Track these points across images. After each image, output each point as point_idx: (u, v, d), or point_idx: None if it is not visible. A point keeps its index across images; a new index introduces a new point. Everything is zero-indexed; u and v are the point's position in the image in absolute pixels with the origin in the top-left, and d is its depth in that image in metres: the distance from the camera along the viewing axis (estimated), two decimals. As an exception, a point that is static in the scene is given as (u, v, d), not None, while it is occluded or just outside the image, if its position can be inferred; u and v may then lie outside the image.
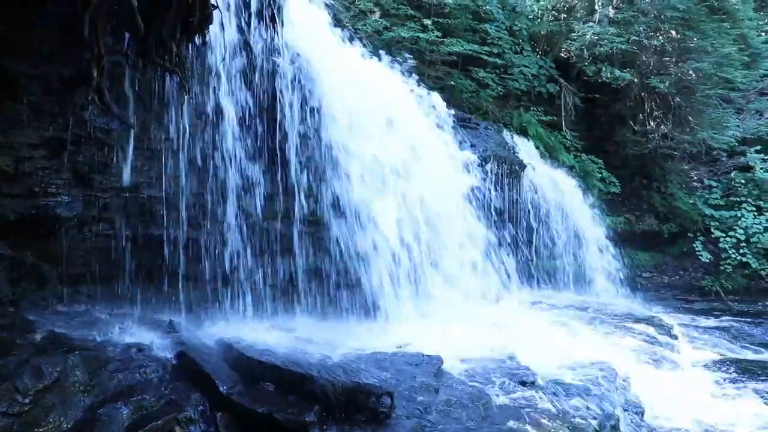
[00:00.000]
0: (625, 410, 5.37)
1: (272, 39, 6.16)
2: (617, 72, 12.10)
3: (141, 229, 5.55)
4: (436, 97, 8.65)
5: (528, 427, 4.16)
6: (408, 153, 7.37)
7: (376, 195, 6.72)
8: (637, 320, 8.65)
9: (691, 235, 13.36)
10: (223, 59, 5.71)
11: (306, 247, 6.53)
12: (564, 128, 11.92)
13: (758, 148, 13.79)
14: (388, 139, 7.06)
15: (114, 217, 5.40)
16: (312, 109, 6.32)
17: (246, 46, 5.97)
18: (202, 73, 5.64)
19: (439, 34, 10.28)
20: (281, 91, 6.17)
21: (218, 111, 5.73)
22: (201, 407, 4.20)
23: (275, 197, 6.37)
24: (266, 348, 5.01)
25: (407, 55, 9.15)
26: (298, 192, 6.37)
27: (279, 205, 6.39)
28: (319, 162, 6.48)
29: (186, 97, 5.34)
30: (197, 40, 4.95)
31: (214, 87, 5.70)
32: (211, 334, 5.33)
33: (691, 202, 13.45)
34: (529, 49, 12.15)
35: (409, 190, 7.24)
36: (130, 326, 5.08)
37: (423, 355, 5.20)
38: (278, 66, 6.18)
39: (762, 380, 7.52)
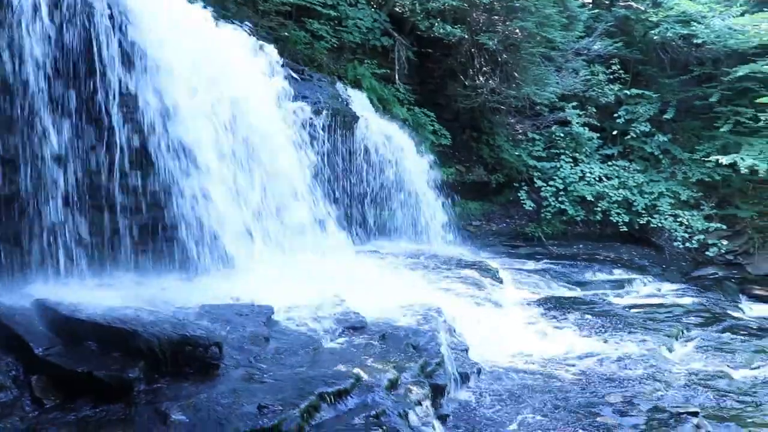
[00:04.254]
0: (450, 349, 5.68)
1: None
2: (449, 28, 12.44)
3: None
4: (268, 48, 8.45)
5: (356, 368, 4.28)
6: (238, 104, 7.18)
7: (205, 147, 6.50)
8: (466, 265, 9.14)
9: (517, 185, 14.19)
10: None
11: (131, 202, 6.22)
12: (397, 82, 12.14)
13: (574, 104, 14.80)
14: (217, 88, 6.82)
15: None
16: (131, 54, 5.95)
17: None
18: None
19: (271, -18, 10.05)
20: (97, 35, 5.76)
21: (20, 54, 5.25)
22: (13, 372, 3.94)
23: (97, 149, 5.99)
24: (90, 307, 4.76)
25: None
26: (121, 143, 6.02)
27: (101, 158, 6.03)
28: (143, 112, 6.15)
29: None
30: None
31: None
32: (29, 296, 4.98)
33: (517, 153, 14.24)
34: (364, 2, 12.16)
35: (239, 142, 7.08)
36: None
37: (253, 305, 5.18)
38: (93, 8, 5.75)
39: (574, 313, 8.25)
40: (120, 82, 5.94)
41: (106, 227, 6.09)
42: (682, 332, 7.83)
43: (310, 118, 8.61)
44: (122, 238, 6.17)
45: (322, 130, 8.93)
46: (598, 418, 5.07)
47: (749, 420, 5.09)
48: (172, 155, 6.16)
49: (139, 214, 6.22)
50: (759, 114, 12.86)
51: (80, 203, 5.88)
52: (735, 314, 9.35)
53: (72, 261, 5.79)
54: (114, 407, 3.69)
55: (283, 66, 8.37)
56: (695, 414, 5.11)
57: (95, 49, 5.73)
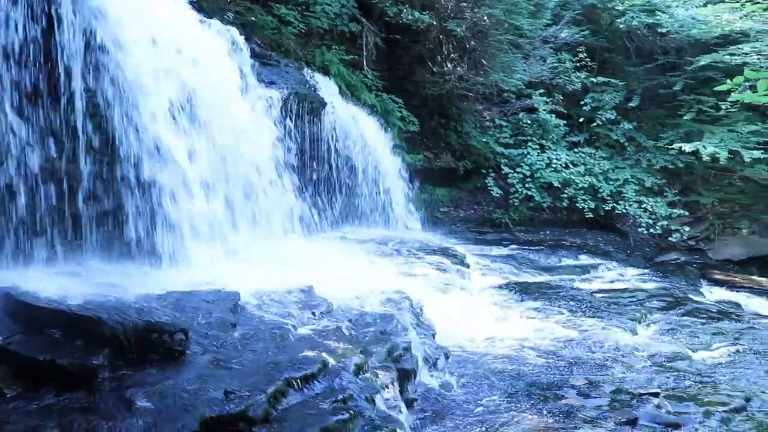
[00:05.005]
0: (417, 333, 5.71)
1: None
2: (417, 14, 12.39)
3: None
4: (235, 33, 8.35)
5: (323, 353, 4.28)
6: (203, 90, 7.08)
7: (172, 133, 6.42)
8: (434, 251, 9.19)
9: (484, 172, 14.25)
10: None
11: (95, 188, 6.12)
12: (365, 68, 12.08)
13: (541, 91, 14.90)
14: (182, 74, 6.72)
15: None
16: (94, 38, 5.83)
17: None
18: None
19: (237, -34, 9.91)
20: (58, 18, 5.63)
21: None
22: (-29, 363, 3.88)
23: (57, 134, 5.88)
24: (53, 295, 4.69)
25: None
26: (84, 128, 5.91)
27: (65, 145, 5.92)
28: (107, 97, 6.04)
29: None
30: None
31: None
32: (-11, 286, 4.88)
33: (484, 140, 14.30)
34: (332, -13, 12.07)
35: (206, 128, 7.00)
36: None
37: (220, 292, 5.13)
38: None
39: (538, 299, 8.35)
40: (81, 68, 5.82)
41: (68, 215, 5.99)
42: (645, 316, 7.99)
43: (278, 104, 8.53)
44: (85, 226, 6.07)
45: (289, 116, 8.86)
46: (562, 400, 5.16)
47: (707, 399, 5.22)
48: (136, 144, 6.06)
49: (103, 202, 6.12)
50: (720, 103, 13.10)
51: (41, 190, 5.77)
52: (696, 298, 9.55)
53: (34, 249, 5.69)
54: (77, 395, 3.65)
55: (252, 53, 8.28)
56: (656, 395, 5.23)
57: (55, 31, 5.61)
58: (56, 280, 5.36)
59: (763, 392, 5.43)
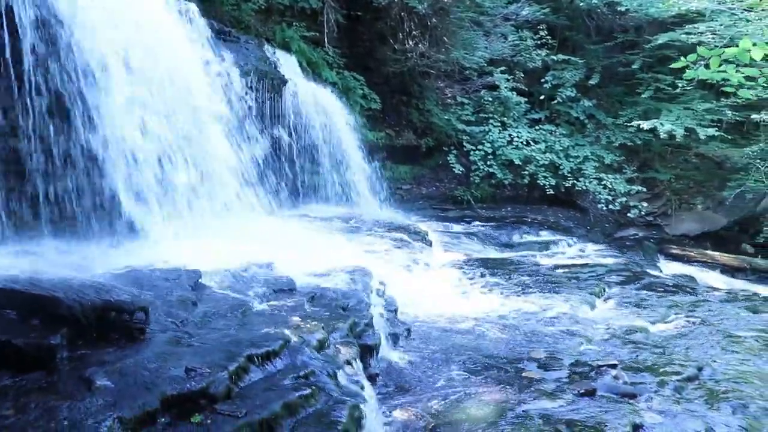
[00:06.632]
0: (380, 309, 5.74)
1: None
2: (378, -10, 12.33)
3: None
4: (192, 8, 8.18)
5: (285, 330, 4.27)
6: (162, 67, 6.94)
7: (126, 111, 6.29)
8: (396, 228, 9.23)
9: (446, 149, 14.32)
10: None
11: (50, 167, 5.99)
12: (327, 45, 11.98)
13: (503, 68, 14.98)
14: (136, 50, 6.58)
15: None
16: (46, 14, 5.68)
17: None
18: None
19: (195, -60, 9.69)
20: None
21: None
22: (-75, 345, 3.77)
23: (8, 113, 5.73)
24: (8, 274, 4.59)
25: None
26: (36, 108, 5.77)
27: (18, 122, 5.77)
28: (61, 77, 5.90)
29: None
30: None
31: None
32: (-61, 267, 4.76)
33: (446, 118, 14.34)
34: (292, -38, 11.90)
35: (165, 105, 6.88)
36: None
37: (180, 270, 5.08)
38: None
39: (499, 274, 8.46)
40: (34, 43, 5.67)
41: (24, 194, 5.86)
42: (604, 290, 8.16)
43: (238, 81, 8.41)
44: (42, 205, 5.94)
45: (249, 92, 8.75)
46: (523, 373, 5.25)
47: (661, 369, 5.36)
48: (93, 122, 5.94)
49: (60, 180, 6.00)
50: (677, 81, 13.32)
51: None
52: (653, 272, 9.77)
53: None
54: (35, 376, 3.57)
55: (210, 29, 8.14)
56: (614, 366, 5.35)
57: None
58: (12, 260, 5.26)
59: (714, 361, 5.59)
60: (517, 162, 14.04)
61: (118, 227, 6.06)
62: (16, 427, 3.05)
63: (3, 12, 5.43)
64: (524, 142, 14.41)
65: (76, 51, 5.86)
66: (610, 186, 14.23)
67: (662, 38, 13.91)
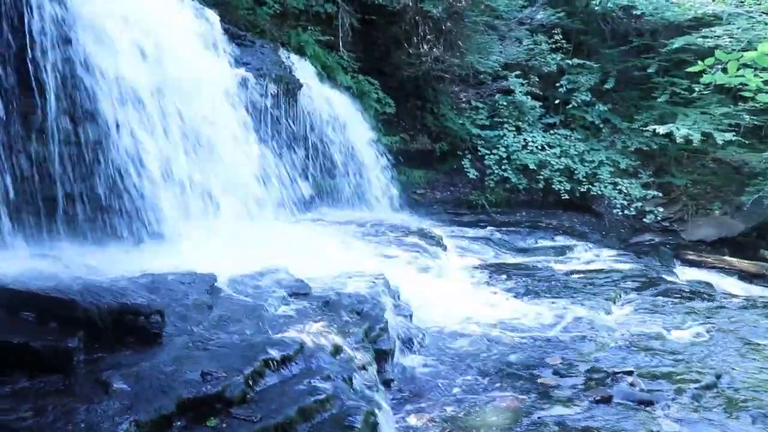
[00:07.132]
0: (394, 314, 5.74)
1: None
2: (392, -6, 12.35)
3: None
4: (209, 13, 8.24)
5: (300, 335, 4.29)
6: (180, 71, 7.00)
7: (144, 117, 6.35)
8: (410, 233, 9.20)
9: (461, 153, 14.24)
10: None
11: (69, 170, 6.04)
12: (341, 49, 12.00)
13: (518, 73, 14.89)
14: (156, 56, 6.64)
15: None
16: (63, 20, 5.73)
17: None
18: None
19: (211, -55, 9.76)
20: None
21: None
22: (-60, 348, 3.80)
23: (30, 117, 5.79)
24: (26, 277, 4.63)
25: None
26: (57, 111, 5.83)
27: (36, 125, 5.83)
28: (78, 80, 5.95)
29: None
30: None
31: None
32: (-40, 269, 4.80)
33: (461, 122, 14.28)
34: (307, -33, 11.95)
35: (183, 110, 6.93)
36: None
37: (196, 274, 5.11)
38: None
39: (514, 279, 8.42)
40: (52, 45, 5.73)
41: (42, 197, 5.91)
42: (620, 296, 8.09)
43: (254, 85, 8.45)
44: (60, 208, 6.00)
45: (265, 97, 8.78)
46: (539, 379, 5.22)
47: (679, 377, 5.31)
48: (112, 128, 6.00)
49: (78, 183, 6.05)
50: (693, 85, 13.19)
51: (13, 171, 5.69)
52: (669, 278, 9.68)
53: (7, 231, 5.61)
54: (53, 378, 3.60)
55: (227, 34, 8.19)
56: (630, 373, 5.31)
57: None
58: (31, 263, 5.31)
59: (733, 369, 5.54)
60: (531, 166, 13.95)
61: (135, 231, 6.10)
62: (35, 429, 3.08)
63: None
64: (539, 147, 14.32)
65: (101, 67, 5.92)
66: (625, 191, 14.10)
67: (678, 42, 13.79)
